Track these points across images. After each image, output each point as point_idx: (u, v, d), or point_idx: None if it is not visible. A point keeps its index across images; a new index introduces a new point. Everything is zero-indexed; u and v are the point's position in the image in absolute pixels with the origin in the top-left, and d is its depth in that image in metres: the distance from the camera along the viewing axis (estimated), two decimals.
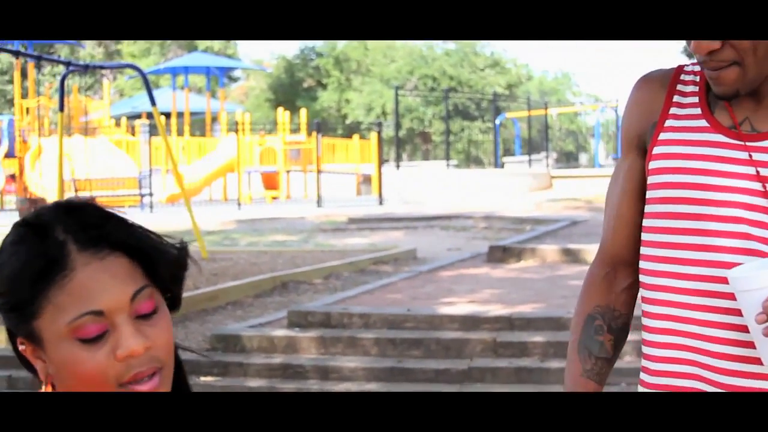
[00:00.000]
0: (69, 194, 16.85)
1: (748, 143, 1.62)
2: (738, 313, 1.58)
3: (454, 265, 9.97)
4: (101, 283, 1.06)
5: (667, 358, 1.71)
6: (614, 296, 1.80)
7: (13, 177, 23.43)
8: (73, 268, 1.06)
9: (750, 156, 1.61)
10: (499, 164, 27.25)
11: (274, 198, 25.00)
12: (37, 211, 1.10)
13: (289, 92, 41.01)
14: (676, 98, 1.71)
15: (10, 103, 34.13)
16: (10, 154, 23.28)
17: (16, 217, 21.17)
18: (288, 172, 25.78)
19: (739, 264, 1.59)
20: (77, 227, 1.08)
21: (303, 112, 27.89)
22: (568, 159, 48.54)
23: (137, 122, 27.81)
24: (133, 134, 27.21)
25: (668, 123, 1.70)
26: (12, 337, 1.14)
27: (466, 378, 6.30)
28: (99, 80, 36.63)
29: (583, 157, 48.84)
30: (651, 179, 1.71)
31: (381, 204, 21.81)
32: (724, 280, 1.60)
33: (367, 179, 26.71)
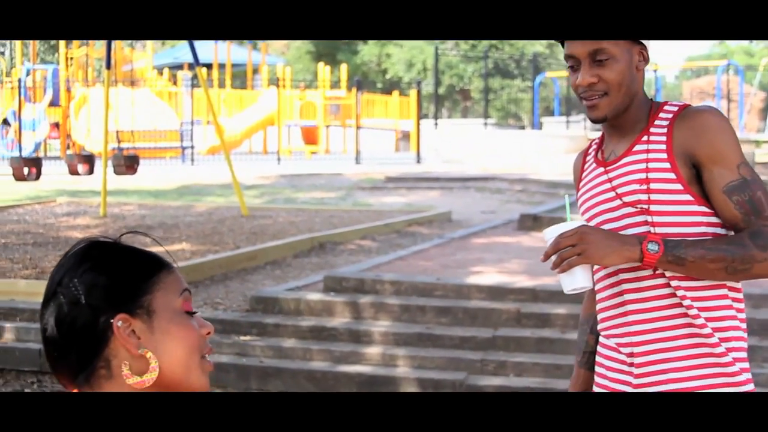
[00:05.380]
0: (113, 145, 17.21)
1: (608, 167, 2.30)
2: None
3: (485, 233, 10.23)
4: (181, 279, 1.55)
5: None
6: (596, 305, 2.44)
7: (56, 125, 23.89)
8: (171, 266, 1.52)
9: (608, 175, 2.28)
10: (537, 124, 27.32)
11: (313, 152, 25.28)
12: (111, 238, 1.52)
13: (330, 45, 41.11)
14: (587, 158, 2.46)
15: (54, 48, 34.55)
16: (54, 103, 23.73)
17: (60, 164, 21.26)
18: (327, 126, 26.05)
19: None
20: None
21: (343, 67, 28.06)
22: None
23: (179, 73, 28.13)
24: (175, 84, 27.52)
25: (584, 174, 2.46)
26: (82, 335, 1.43)
27: (491, 346, 6.61)
28: None
29: None
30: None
31: (419, 162, 22.00)
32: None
33: (405, 135, 26.92)
